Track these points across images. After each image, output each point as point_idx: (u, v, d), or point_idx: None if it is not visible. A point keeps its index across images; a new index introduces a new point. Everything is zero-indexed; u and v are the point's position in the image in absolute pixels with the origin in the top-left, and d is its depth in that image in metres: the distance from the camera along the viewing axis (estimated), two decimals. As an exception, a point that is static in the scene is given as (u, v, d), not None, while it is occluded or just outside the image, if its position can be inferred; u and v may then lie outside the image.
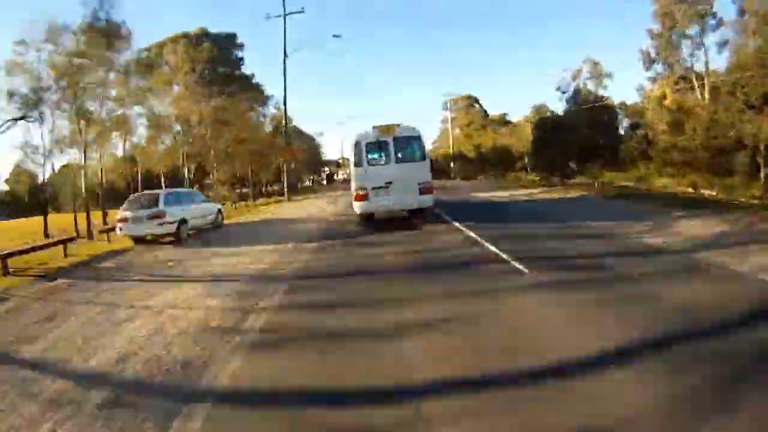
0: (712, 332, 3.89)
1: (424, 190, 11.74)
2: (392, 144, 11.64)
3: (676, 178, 20.95)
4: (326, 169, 75.87)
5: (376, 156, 11.95)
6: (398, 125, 11.89)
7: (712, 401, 2.82)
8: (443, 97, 61.43)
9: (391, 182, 11.55)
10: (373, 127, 11.75)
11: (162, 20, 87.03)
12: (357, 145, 11.76)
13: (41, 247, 10.93)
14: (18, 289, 7.57)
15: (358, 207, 11.87)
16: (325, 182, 67.98)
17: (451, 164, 51.85)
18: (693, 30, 23.36)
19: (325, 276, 7.29)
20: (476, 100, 60.51)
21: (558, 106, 38.04)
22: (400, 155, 11.76)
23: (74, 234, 15.43)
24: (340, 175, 69.15)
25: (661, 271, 5.93)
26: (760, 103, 17.25)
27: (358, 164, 11.69)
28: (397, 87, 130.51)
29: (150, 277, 7.98)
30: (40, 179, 25.83)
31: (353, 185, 12.06)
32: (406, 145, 12.06)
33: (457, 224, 11.46)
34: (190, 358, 4.07)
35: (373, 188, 11.64)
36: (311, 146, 55.43)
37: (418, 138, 12.13)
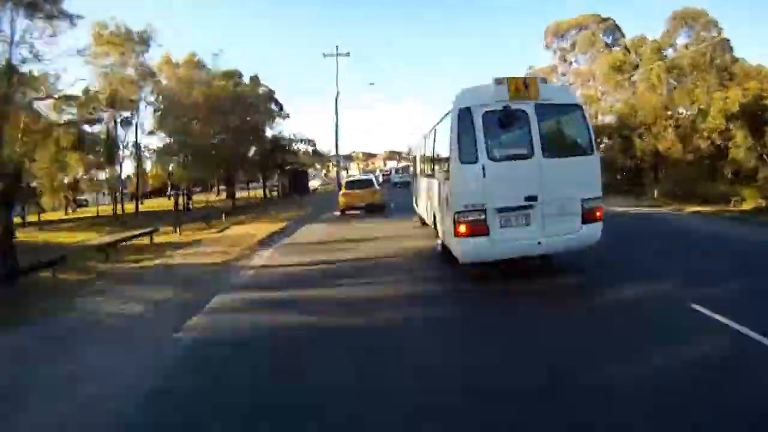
0: None
1: (590, 213, 5.76)
2: (534, 117, 5.53)
3: None
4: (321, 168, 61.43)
5: (503, 140, 5.67)
6: (540, 81, 5.82)
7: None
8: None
9: (535, 197, 5.38)
10: (496, 81, 5.43)
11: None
12: (461, 115, 5.39)
13: None
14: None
15: (463, 250, 5.49)
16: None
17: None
18: None
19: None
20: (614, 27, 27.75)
21: None
22: (548, 141, 5.60)
23: None
24: (317, 183, 53.22)
25: None
26: None
27: (464, 157, 5.34)
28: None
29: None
30: None
31: (447, 201, 5.75)
32: (558, 120, 5.99)
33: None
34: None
35: (501, 210, 5.38)
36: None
37: (578, 108, 5.94)
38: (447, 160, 5.84)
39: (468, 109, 5.35)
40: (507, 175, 5.35)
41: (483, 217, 5.32)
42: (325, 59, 27.09)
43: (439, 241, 7.19)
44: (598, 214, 5.72)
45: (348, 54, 28.35)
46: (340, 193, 16.84)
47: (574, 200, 5.56)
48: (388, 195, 21.41)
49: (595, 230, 5.70)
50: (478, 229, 5.33)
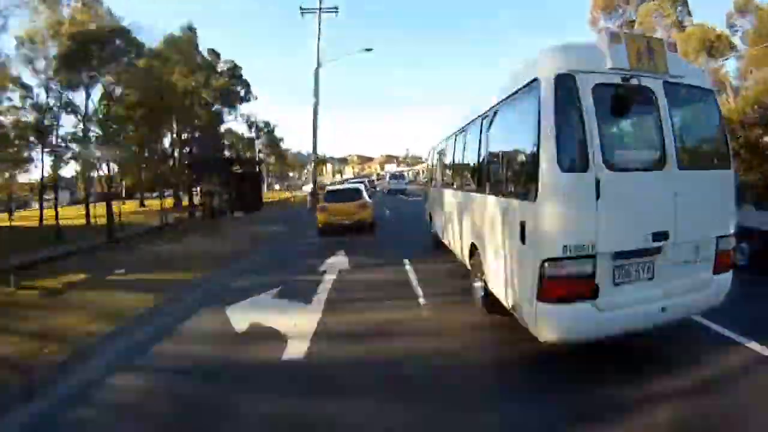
0: None
1: (724, 258, 3.54)
2: (664, 101, 3.25)
3: None
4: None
5: (622, 136, 3.46)
6: (669, 46, 3.47)
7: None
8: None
9: (666, 234, 3.20)
10: (610, 36, 3.13)
11: None
12: (559, 87, 3.01)
13: None
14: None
15: (556, 325, 3.09)
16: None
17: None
18: None
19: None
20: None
21: None
22: (682, 143, 3.40)
23: None
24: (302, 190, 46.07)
25: None
26: None
27: (565, 161, 2.95)
28: None
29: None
30: None
31: (523, 237, 3.30)
32: (690, 111, 3.70)
33: None
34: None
35: (617, 256, 3.14)
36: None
37: (713, 96, 3.68)
38: (522, 165, 3.55)
39: (571, 77, 3.04)
40: (629, 196, 3.12)
41: (591, 268, 3.03)
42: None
43: (479, 284, 4.93)
44: (730, 259, 3.69)
45: (336, 10, 21.98)
46: (319, 207, 12.68)
47: (709, 239, 3.48)
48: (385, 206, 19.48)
49: (726, 283, 3.65)
50: (582, 289, 3.07)
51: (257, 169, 28.45)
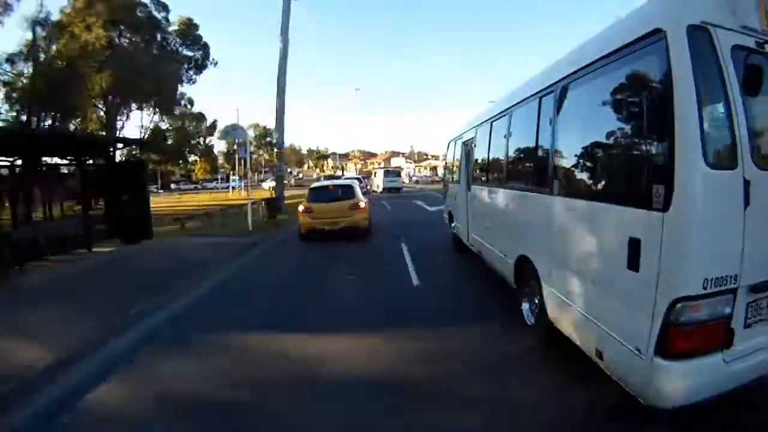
0: None
1: None
2: None
3: None
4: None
5: (760, 119, 2.27)
6: None
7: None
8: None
9: None
10: None
11: None
12: (694, 45, 2.04)
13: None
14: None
15: (682, 384, 2.14)
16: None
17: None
18: None
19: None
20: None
21: None
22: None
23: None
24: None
25: None
26: None
27: (713, 155, 2.01)
28: None
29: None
30: None
31: (637, 266, 2.30)
32: None
33: None
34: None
35: (755, 288, 2.18)
36: None
37: None
38: (636, 157, 2.55)
39: (707, 31, 2.14)
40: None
41: (730, 309, 2.16)
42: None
43: (528, 306, 4.12)
44: None
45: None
46: (301, 209, 10.22)
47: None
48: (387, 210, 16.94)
49: None
50: (717, 336, 2.21)
51: (140, 163, 13.24)
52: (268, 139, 67.13)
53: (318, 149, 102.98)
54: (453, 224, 8.39)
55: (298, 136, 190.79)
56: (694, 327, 2.11)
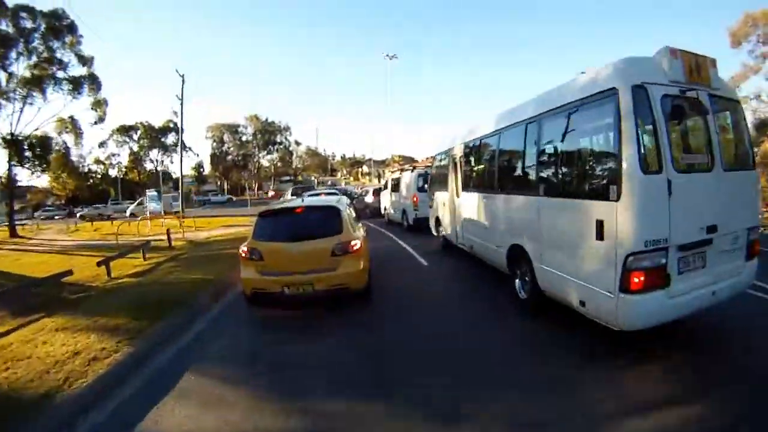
0: None
1: (754, 247, 4.17)
2: (710, 111, 3.74)
3: None
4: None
5: (681, 142, 3.82)
6: (711, 63, 3.94)
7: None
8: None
9: (715, 227, 3.68)
10: (670, 53, 3.55)
11: None
12: (636, 97, 3.39)
13: None
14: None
15: (635, 312, 3.44)
16: None
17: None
18: None
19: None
20: None
21: None
22: (723, 148, 3.88)
23: None
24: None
25: None
26: None
27: (645, 165, 3.33)
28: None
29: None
30: None
31: (600, 234, 3.63)
32: (725, 119, 4.17)
33: None
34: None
35: (681, 248, 3.58)
36: None
37: (740, 106, 4.36)
38: (599, 168, 3.88)
39: (644, 88, 3.45)
40: (689, 195, 3.54)
41: (665, 260, 3.44)
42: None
43: (520, 283, 5.34)
44: (758, 247, 4.26)
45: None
46: (243, 251, 5.69)
47: (743, 230, 4.03)
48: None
49: (753, 269, 4.25)
50: (659, 279, 3.48)
51: None
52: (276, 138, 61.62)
53: (354, 156, 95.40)
54: (440, 228, 9.60)
55: (337, 144, 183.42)
56: (642, 271, 3.38)
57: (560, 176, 4.43)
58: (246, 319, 5.74)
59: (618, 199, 3.44)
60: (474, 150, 7.20)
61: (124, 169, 57.15)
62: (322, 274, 5.42)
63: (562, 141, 4.32)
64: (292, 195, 22.28)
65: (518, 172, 5.41)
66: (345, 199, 7.29)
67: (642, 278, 3.39)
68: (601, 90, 3.69)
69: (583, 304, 3.98)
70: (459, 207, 7.96)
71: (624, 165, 3.39)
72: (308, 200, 7.03)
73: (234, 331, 5.25)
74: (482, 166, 6.90)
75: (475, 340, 4.37)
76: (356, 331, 4.83)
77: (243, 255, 5.70)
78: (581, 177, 4.10)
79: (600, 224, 3.63)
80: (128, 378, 3.98)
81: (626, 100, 3.42)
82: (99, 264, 9.19)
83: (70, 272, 8.29)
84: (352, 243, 5.62)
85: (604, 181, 3.67)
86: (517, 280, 5.43)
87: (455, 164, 8.21)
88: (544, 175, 4.68)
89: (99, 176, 55.89)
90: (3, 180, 22.69)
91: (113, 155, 55.28)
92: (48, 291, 7.70)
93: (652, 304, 3.45)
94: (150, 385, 3.85)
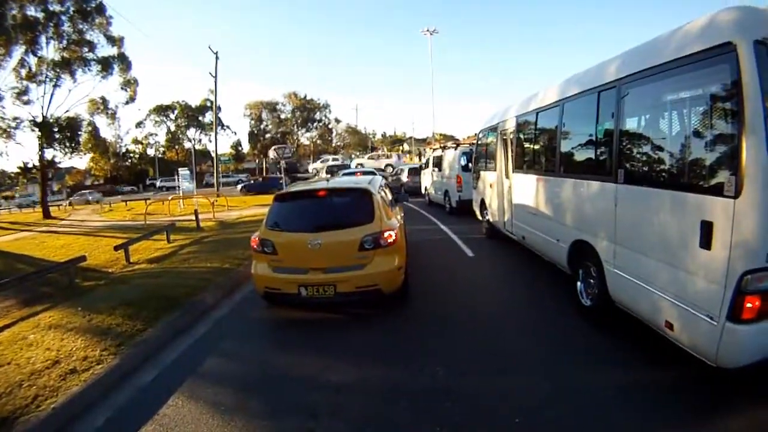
0: None
1: None
2: None
3: None
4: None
5: None
6: None
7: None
8: None
9: None
10: None
11: None
12: (760, 55, 2.30)
13: None
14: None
15: (746, 342, 2.40)
16: None
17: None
18: None
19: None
20: None
21: None
22: None
23: None
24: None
25: None
26: None
27: None
28: None
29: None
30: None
31: (707, 243, 2.55)
32: None
33: None
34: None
35: None
36: None
37: None
38: (707, 151, 2.69)
39: (765, 44, 2.37)
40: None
41: None
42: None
43: (582, 286, 4.36)
44: None
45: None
46: (254, 241, 4.86)
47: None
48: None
49: None
50: None
51: None
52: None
53: (395, 133, 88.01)
54: (485, 212, 8.49)
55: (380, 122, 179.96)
56: (759, 295, 2.36)
57: (649, 159, 3.29)
58: (256, 325, 4.96)
59: (737, 195, 2.39)
60: (530, 124, 6.00)
61: (161, 149, 58.79)
62: (347, 273, 4.45)
63: (651, 113, 3.21)
64: (327, 174, 22.08)
65: (588, 151, 4.25)
66: (379, 179, 6.27)
67: (758, 303, 2.38)
68: (710, 47, 2.57)
69: (670, 326, 2.95)
70: (509, 190, 6.84)
71: (746, 148, 2.32)
72: (335, 181, 6.00)
73: (239, 341, 4.47)
74: (540, 144, 5.73)
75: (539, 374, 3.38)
76: (389, 355, 3.77)
77: (254, 247, 4.82)
78: (681, 162, 2.97)
79: (708, 227, 2.57)
80: (101, 400, 3.33)
81: (749, 59, 2.32)
82: (116, 248, 8.91)
83: (83, 258, 7.95)
84: (386, 234, 4.56)
85: (717, 170, 2.58)
86: (579, 283, 4.41)
87: (505, 141, 7.06)
88: (624, 156, 3.52)
89: (137, 156, 57.76)
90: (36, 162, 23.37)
91: (151, 134, 56.96)
92: (60, 278, 7.42)
93: (763, 338, 2.44)
94: (126, 411, 3.18)
